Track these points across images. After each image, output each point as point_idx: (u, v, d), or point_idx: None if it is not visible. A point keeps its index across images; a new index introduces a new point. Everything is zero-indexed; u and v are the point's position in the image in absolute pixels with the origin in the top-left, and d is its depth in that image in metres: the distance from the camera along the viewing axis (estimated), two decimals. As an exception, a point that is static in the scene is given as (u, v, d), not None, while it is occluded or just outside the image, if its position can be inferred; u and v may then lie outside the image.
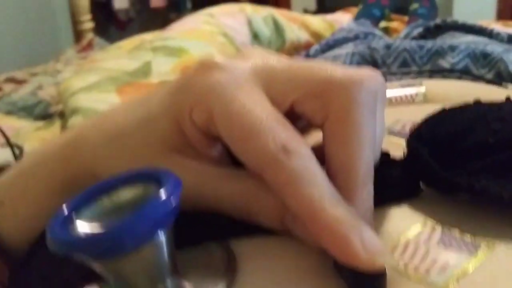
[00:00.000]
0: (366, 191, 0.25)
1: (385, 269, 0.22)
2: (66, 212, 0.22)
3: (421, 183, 0.29)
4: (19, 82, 1.13)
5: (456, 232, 0.25)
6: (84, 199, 0.23)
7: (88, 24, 2.11)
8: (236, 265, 0.24)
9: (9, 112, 0.92)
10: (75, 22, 2.11)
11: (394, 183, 0.28)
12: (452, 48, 0.67)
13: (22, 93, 0.99)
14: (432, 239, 0.25)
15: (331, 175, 0.24)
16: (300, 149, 0.24)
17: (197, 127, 0.27)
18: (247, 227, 0.26)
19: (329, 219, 0.22)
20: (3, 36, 1.74)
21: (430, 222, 0.26)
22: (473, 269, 0.23)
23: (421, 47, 0.69)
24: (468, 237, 0.25)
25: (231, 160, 0.28)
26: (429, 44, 0.70)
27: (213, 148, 0.28)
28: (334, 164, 0.25)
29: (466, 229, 0.25)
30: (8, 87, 1.13)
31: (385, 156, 0.30)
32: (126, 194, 0.23)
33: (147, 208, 0.21)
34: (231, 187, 0.27)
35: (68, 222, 0.22)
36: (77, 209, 0.23)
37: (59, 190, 0.32)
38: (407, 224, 0.26)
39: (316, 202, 0.22)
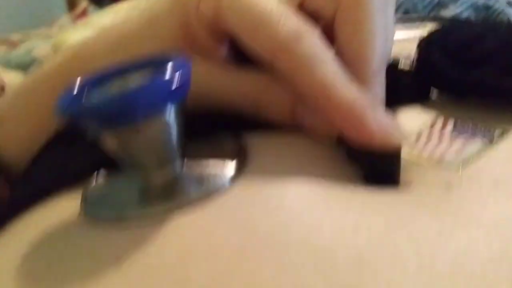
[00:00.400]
0: (378, 81, 0.25)
1: (400, 148, 0.22)
2: (76, 88, 0.22)
3: (431, 90, 0.29)
4: (13, 43, 1.11)
5: (469, 123, 0.25)
6: (94, 81, 0.23)
7: (83, -3, 2.08)
8: (246, 152, 0.23)
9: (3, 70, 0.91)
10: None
11: (405, 88, 0.28)
12: (455, -1, 0.67)
13: (16, 52, 0.97)
14: (445, 129, 0.24)
15: (344, 64, 0.24)
16: (311, 33, 0.23)
17: (204, 23, 0.26)
18: (257, 123, 0.26)
19: (343, 97, 0.22)
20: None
21: (442, 117, 0.26)
22: (487, 154, 0.23)
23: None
24: (481, 126, 0.24)
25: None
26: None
27: (220, 48, 0.27)
28: (346, 54, 0.25)
29: (479, 122, 0.25)
30: (1, 48, 1.11)
31: (394, 62, 0.30)
32: (138, 78, 0.23)
33: (159, 79, 0.20)
34: (240, 82, 0.26)
35: (79, 94, 0.21)
36: (87, 88, 0.22)
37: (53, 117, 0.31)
38: (419, 119, 0.26)
39: (329, 81, 0.22)
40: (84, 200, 0.23)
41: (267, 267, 0.16)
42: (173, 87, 0.20)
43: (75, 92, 0.21)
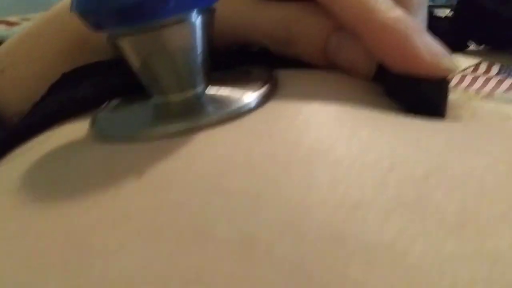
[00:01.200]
0: (421, 15, 0.23)
1: (450, 75, 0.19)
2: None
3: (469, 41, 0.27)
4: (11, 23, 1.10)
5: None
6: None
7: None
8: (276, 81, 0.21)
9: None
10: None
11: (442, 35, 0.26)
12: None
13: (17, 29, 0.95)
14: (491, 71, 0.22)
15: None
16: None
17: None
18: (287, 63, 0.24)
19: (386, 17, 0.20)
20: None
21: (486, 61, 0.24)
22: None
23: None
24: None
25: None
26: None
27: None
28: None
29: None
30: (0, 27, 1.09)
31: (429, 9, 0.28)
32: None
33: None
34: (270, 13, 0.24)
35: None
36: None
37: (68, 51, 0.29)
38: (460, 64, 0.24)
39: (371, 2, 0.20)
40: (94, 121, 0.20)
41: (313, 180, 0.14)
42: None
43: None
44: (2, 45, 0.33)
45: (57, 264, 0.12)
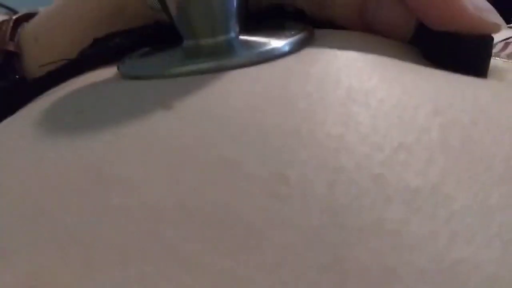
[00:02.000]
0: None
1: (496, 30, 0.18)
2: None
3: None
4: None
5: None
6: None
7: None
8: (311, 31, 0.20)
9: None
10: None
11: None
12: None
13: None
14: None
15: None
16: None
17: None
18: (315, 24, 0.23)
19: None
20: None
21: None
22: None
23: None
24: None
25: None
26: None
27: None
28: None
29: None
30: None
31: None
32: None
33: None
34: None
35: None
36: None
37: (103, 20, 0.29)
38: (502, 35, 0.23)
39: None
40: (123, 63, 0.20)
41: (353, 119, 0.13)
42: None
43: None
44: (36, 16, 0.33)
45: (76, 191, 0.12)
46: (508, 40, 0.21)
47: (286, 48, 0.18)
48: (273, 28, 0.21)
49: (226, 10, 0.19)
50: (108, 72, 0.20)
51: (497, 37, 0.22)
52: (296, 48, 0.18)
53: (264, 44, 0.18)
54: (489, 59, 0.18)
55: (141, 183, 0.11)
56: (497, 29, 0.18)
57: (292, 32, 0.19)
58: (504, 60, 0.20)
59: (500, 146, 0.12)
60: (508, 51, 0.20)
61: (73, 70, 0.22)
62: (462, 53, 0.19)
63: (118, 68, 0.19)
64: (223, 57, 0.17)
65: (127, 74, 0.19)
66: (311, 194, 0.11)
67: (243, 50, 0.18)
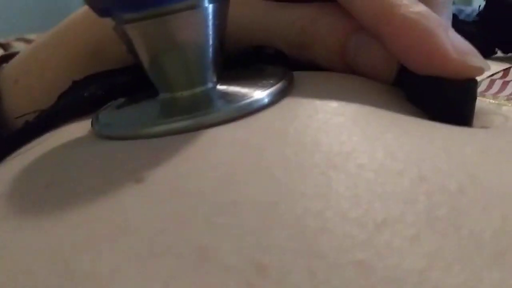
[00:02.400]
0: (446, 14, 0.21)
1: (480, 74, 0.18)
2: None
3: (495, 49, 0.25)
4: (29, 41, 1.11)
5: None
6: None
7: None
8: (291, 78, 0.19)
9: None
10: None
11: (468, 39, 0.24)
12: None
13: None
14: (523, 76, 0.21)
15: None
16: None
17: None
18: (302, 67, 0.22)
19: (409, 13, 0.18)
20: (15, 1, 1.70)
21: (516, 66, 0.22)
22: None
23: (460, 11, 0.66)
24: None
25: None
26: (468, 9, 0.68)
27: None
28: None
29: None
30: (18, 45, 1.09)
31: (454, 16, 0.27)
32: None
33: None
34: (284, 14, 0.23)
35: None
36: None
37: (81, 62, 0.28)
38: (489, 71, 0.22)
39: None
40: (96, 118, 0.19)
41: (333, 191, 0.12)
42: None
43: None
44: (17, 56, 0.33)
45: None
46: (493, 77, 0.21)
47: (266, 101, 0.17)
48: (252, 75, 0.20)
49: (202, 60, 0.18)
50: (82, 128, 0.19)
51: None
52: (276, 99, 0.18)
53: (243, 95, 0.17)
54: (474, 102, 0.18)
55: (109, 279, 0.11)
56: (481, 72, 0.18)
57: (271, 81, 0.19)
58: (491, 100, 0.19)
59: (489, 218, 0.11)
60: (493, 90, 0.20)
61: (47, 125, 0.21)
62: (446, 97, 0.18)
63: (91, 124, 0.19)
64: (201, 112, 0.17)
65: (100, 134, 0.18)
66: (291, 285, 0.10)
67: (222, 102, 0.18)
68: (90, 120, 0.19)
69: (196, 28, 0.18)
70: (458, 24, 0.25)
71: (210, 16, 0.18)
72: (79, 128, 0.19)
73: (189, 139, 0.15)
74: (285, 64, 0.22)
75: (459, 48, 0.17)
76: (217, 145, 0.15)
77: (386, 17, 0.18)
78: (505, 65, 0.22)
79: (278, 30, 0.22)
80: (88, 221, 0.12)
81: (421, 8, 0.18)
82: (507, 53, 0.25)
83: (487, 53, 0.24)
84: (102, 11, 0.17)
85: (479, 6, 0.25)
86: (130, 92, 0.22)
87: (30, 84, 0.30)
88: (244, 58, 0.23)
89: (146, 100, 0.20)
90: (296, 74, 0.20)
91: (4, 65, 0.34)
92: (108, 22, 0.21)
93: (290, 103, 0.17)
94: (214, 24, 0.18)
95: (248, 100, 0.17)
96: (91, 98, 0.21)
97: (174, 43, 0.17)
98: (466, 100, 0.18)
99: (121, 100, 0.21)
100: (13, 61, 0.33)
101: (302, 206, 0.12)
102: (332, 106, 0.17)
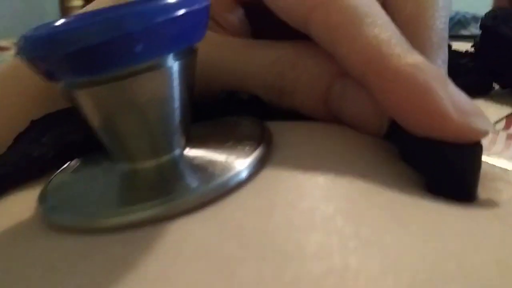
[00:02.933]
0: (441, 56, 0.19)
1: (483, 138, 0.15)
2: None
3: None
4: (3, 48, 1.09)
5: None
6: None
7: (77, 1, 2.02)
8: (270, 139, 0.17)
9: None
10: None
11: (464, 72, 0.22)
12: (476, 19, 0.64)
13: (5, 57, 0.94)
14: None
15: None
16: None
17: None
18: (280, 114, 0.20)
19: (403, 65, 0.16)
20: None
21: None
22: None
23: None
24: None
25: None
26: (452, 13, 0.68)
27: (235, 11, 0.21)
28: (400, 17, 0.19)
29: None
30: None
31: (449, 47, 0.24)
32: None
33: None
34: (260, 56, 0.20)
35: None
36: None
37: (40, 98, 0.26)
38: (489, 115, 0.20)
39: (384, 44, 0.16)
40: (42, 198, 0.16)
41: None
42: (178, 13, 0.14)
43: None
44: None
45: None
46: (496, 127, 0.19)
47: (243, 176, 0.15)
48: (225, 134, 0.18)
49: (167, 125, 0.16)
50: (27, 206, 0.16)
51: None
52: (253, 171, 0.15)
53: (216, 168, 0.15)
54: (479, 171, 0.16)
55: None
56: (486, 135, 0.16)
57: (247, 147, 0.16)
58: (495, 161, 0.17)
59: None
60: (498, 147, 0.18)
61: None
62: (446, 163, 0.16)
63: (38, 205, 0.16)
64: (167, 193, 0.14)
65: (49, 218, 0.15)
66: None
67: (191, 178, 0.15)
68: (40, 185, 0.17)
69: (159, 90, 0.15)
70: (453, 56, 0.23)
71: (175, 75, 0.15)
72: (25, 205, 0.16)
73: (149, 240, 0.13)
74: (262, 111, 0.20)
75: (461, 107, 0.15)
76: (181, 255, 0.12)
77: (376, 69, 0.16)
78: (505, 109, 0.20)
79: (255, 73, 0.20)
80: None
81: (416, 58, 0.16)
82: (505, 88, 0.22)
83: (485, 88, 0.22)
84: (47, 74, 0.15)
85: (474, 39, 0.23)
86: (87, 149, 0.19)
87: None
88: (217, 104, 0.20)
89: (104, 168, 0.17)
90: (275, 127, 0.18)
91: None
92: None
93: (269, 180, 0.15)
94: (180, 83, 0.15)
95: (222, 178, 0.15)
96: (41, 159, 0.19)
97: (133, 108, 0.15)
98: (469, 168, 0.16)
99: (76, 163, 0.19)
100: None
101: None
102: (318, 184, 0.14)
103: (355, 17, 0.17)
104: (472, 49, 0.23)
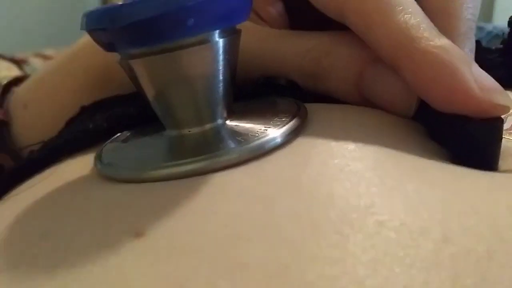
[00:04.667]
0: (468, 45, 0.20)
1: (503, 114, 0.17)
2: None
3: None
4: (47, 57, 1.11)
5: None
6: None
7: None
8: (305, 113, 0.18)
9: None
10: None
11: (492, 67, 0.23)
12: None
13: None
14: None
15: None
16: None
17: None
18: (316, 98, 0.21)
19: (431, 47, 0.17)
20: (33, 14, 1.70)
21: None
22: None
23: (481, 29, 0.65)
24: None
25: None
26: (489, 27, 0.67)
27: (275, 5, 0.23)
28: (430, 7, 0.20)
29: None
30: (36, 62, 1.11)
31: (477, 42, 0.25)
32: None
33: None
34: (297, 44, 0.22)
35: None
36: None
37: (91, 87, 0.28)
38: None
39: (413, 29, 0.17)
40: (99, 157, 0.18)
41: (349, 255, 0.11)
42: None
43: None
44: (26, 81, 0.33)
45: None
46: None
47: (278, 141, 0.16)
48: (264, 110, 0.19)
49: (212, 96, 0.17)
50: (84, 165, 0.18)
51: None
52: (289, 138, 0.17)
53: (255, 134, 0.17)
54: (500, 143, 0.17)
55: None
56: (507, 111, 0.17)
57: (284, 118, 0.18)
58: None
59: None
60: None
61: (50, 158, 0.20)
62: (469, 137, 0.17)
63: (94, 163, 0.18)
64: (209, 155, 0.16)
65: (103, 173, 0.17)
66: None
67: (232, 142, 0.17)
68: (94, 155, 0.18)
69: (206, 63, 0.17)
70: (481, 52, 0.24)
71: (221, 51, 0.17)
72: (82, 165, 0.18)
73: (195, 185, 0.14)
74: (298, 95, 0.21)
75: (483, 85, 0.16)
76: (224, 195, 0.14)
77: (405, 51, 0.17)
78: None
79: (292, 60, 0.21)
80: (82, 280, 0.12)
81: (443, 41, 0.17)
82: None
83: (512, 82, 0.23)
84: (107, 45, 0.16)
85: (503, 33, 0.24)
86: (137, 123, 0.21)
87: (39, 110, 0.30)
88: (256, 88, 0.22)
89: (152, 136, 0.19)
90: (310, 107, 0.19)
91: (15, 88, 0.33)
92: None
93: (303, 144, 0.16)
94: (224, 59, 0.17)
95: (260, 141, 0.16)
96: (96, 130, 0.21)
97: (183, 79, 0.17)
98: (491, 141, 0.17)
99: (127, 133, 0.20)
100: (23, 86, 0.32)
101: (314, 271, 0.11)
102: (348, 149, 0.16)
103: (387, 4, 0.18)
104: (501, 46, 0.24)
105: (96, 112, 0.24)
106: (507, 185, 0.14)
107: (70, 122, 0.25)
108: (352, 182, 0.13)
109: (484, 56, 0.23)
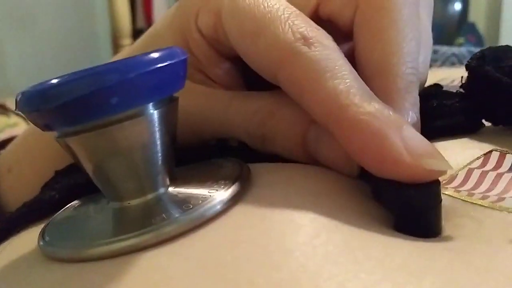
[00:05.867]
0: (409, 100, 0.19)
1: (439, 180, 0.16)
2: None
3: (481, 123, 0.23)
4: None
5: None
6: None
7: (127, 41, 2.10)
8: (248, 177, 0.18)
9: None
10: (116, 45, 2.11)
11: (450, 113, 0.23)
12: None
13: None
14: (504, 166, 0.19)
15: (365, 81, 0.19)
16: (322, 39, 0.19)
17: (204, 36, 0.22)
18: (262, 157, 0.21)
19: (359, 114, 0.17)
20: (45, 50, 1.74)
21: (497, 151, 0.20)
22: None
23: (470, 52, 0.65)
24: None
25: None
26: (443, 49, 0.67)
27: (221, 65, 0.23)
28: (368, 65, 0.20)
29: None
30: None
31: (437, 86, 0.25)
32: None
33: (137, 57, 0.16)
34: (243, 107, 0.22)
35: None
36: None
37: (60, 154, 0.28)
38: (468, 154, 0.20)
39: (342, 95, 0.17)
40: (42, 233, 0.18)
41: None
42: (158, 65, 0.16)
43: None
44: (11, 143, 0.33)
45: None
46: (472, 165, 0.19)
47: (218, 208, 0.16)
48: (208, 174, 0.19)
49: (151, 166, 0.17)
50: (33, 241, 0.18)
51: (459, 161, 0.20)
52: (229, 205, 0.17)
53: (197, 201, 0.17)
54: (439, 207, 0.16)
55: None
56: (441, 174, 0.16)
57: (226, 183, 0.17)
58: (464, 198, 0.17)
59: None
60: (469, 184, 0.18)
61: (10, 229, 0.21)
62: (408, 201, 0.16)
63: (38, 240, 0.18)
64: (151, 225, 0.16)
65: (44, 253, 0.17)
66: None
67: (174, 210, 0.17)
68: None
69: (141, 135, 0.17)
70: (441, 96, 0.23)
71: (156, 123, 0.17)
72: (31, 241, 0.18)
73: (136, 261, 0.14)
74: (250, 156, 0.21)
75: (414, 150, 0.16)
76: (163, 271, 0.14)
77: (335, 118, 0.17)
78: (488, 147, 0.20)
79: (239, 123, 0.21)
80: None
81: (373, 107, 0.17)
82: (497, 125, 0.23)
83: (472, 127, 0.23)
84: (43, 126, 0.17)
85: (461, 77, 0.23)
86: (89, 192, 0.21)
87: (22, 173, 0.30)
88: (207, 150, 0.22)
89: (98, 207, 0.19)
90: (255, 169, 0.19)
91: (1, 151, 0.34)
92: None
93: (242, 213, 0.16)
94: (161, 129, 0.17)
95: (200, 209, 0.16)
96: (49, 202, 0.21)
97: (119, 153, 0.17)
98: (427, 206, 0.16)
99: (76, 204, 0.20)
100: (8, 149, 0.33)
101: None
102: (283, 221, 0.15)
103: (315, 72, 0.18)
104: (462, 90, 0.23)
105: (63, 177, 0.24)
106: (441, 261, 0.14)
107: (45, 187, 0.26)
108: (274, 269, 0.13)
109: (442, 102, 0.23)
